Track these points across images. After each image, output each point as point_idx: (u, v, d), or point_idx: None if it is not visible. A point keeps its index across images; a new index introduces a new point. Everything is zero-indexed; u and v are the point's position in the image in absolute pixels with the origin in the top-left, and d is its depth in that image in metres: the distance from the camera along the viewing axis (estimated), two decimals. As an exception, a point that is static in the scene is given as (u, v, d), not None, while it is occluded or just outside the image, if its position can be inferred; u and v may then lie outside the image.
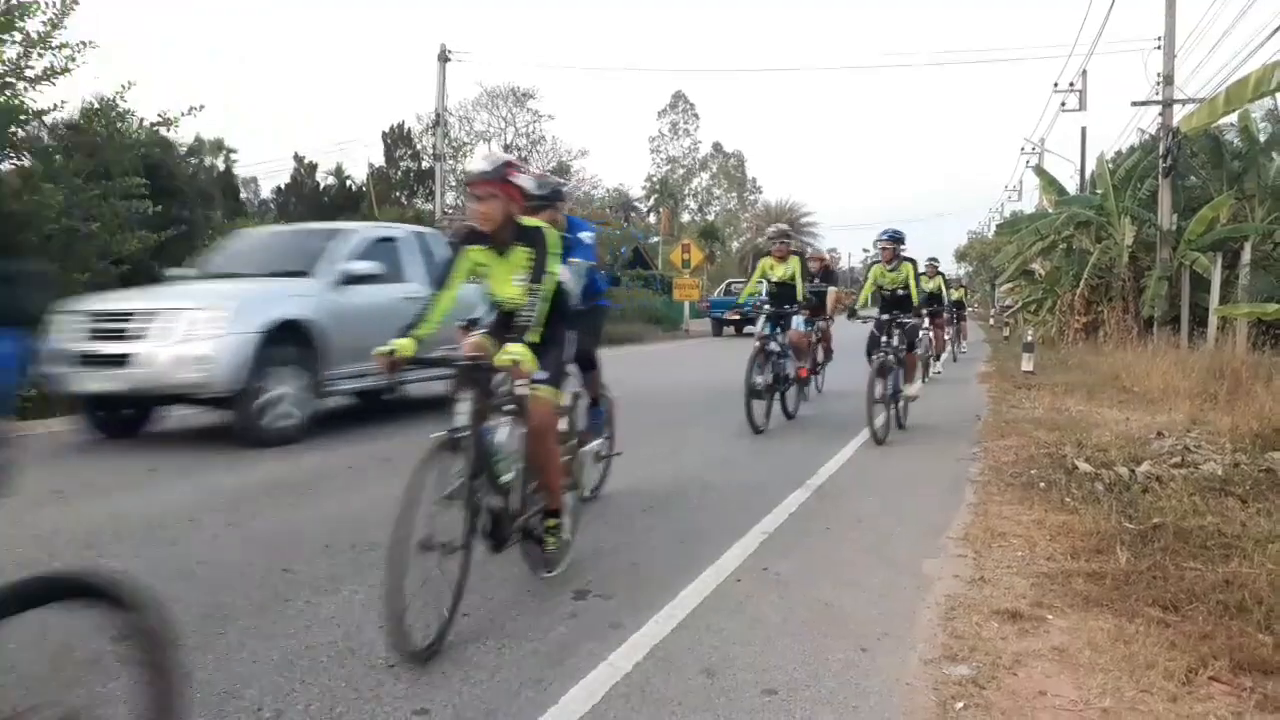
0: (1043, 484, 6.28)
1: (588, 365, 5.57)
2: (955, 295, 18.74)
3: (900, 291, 9.34)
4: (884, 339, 8.64)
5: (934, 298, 15.54)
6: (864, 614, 3.85)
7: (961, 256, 60.52)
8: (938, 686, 3.12)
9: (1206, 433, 8.05)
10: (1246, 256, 17.63)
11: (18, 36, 10.46)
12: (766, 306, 9.29)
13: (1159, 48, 18.97)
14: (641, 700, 2.99)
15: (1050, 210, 25.66)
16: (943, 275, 17.11)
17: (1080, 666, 3.27)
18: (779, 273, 9.74)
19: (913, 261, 9.51)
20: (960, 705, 2.97)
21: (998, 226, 34.84)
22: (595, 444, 5.50)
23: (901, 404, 9.12)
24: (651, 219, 58.15)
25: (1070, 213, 22.48)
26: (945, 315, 16.68)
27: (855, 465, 7.38)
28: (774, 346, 9.03)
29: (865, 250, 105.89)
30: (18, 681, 2.76)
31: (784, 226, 10.27)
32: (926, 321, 15.25)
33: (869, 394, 8.21)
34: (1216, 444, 7.43)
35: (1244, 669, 3.16)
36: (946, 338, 17.18)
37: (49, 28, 10.56)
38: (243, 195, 38.63)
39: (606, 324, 6.74)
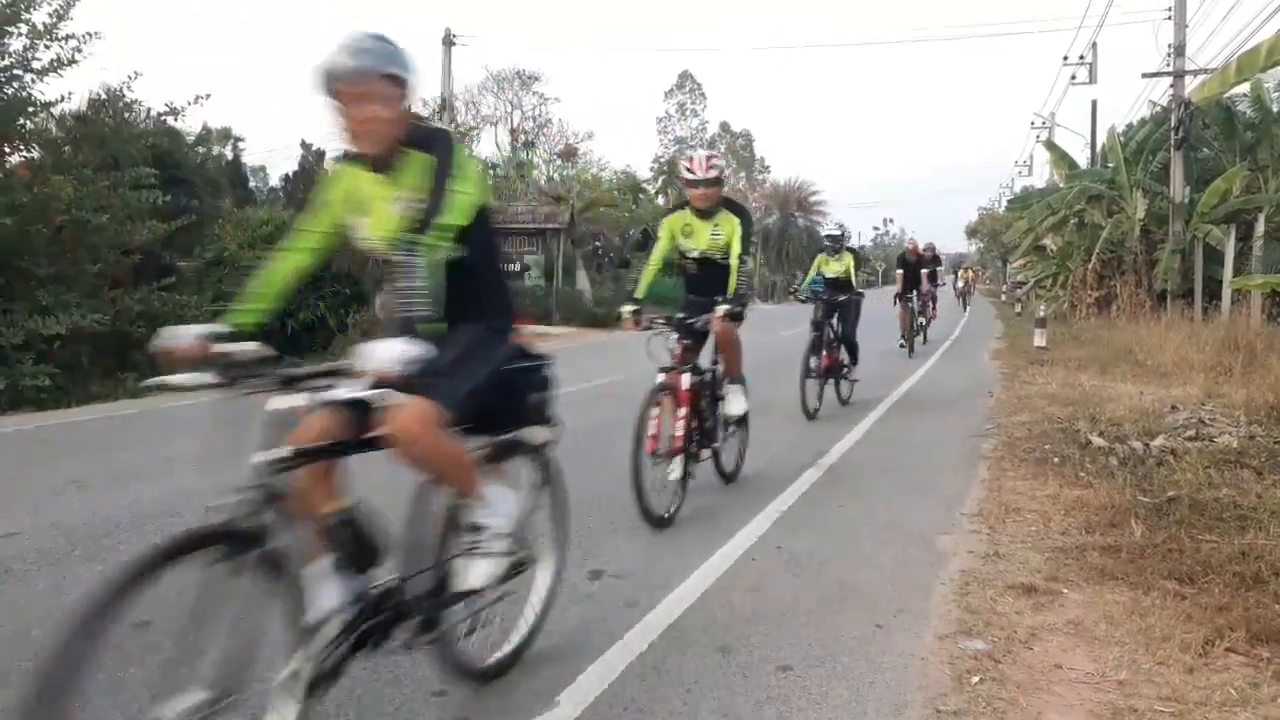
0: (1056, 459, 6.27)
1: None
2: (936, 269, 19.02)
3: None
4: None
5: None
6: (878, 590, 3.86)
7: (972, 233, 60.21)
8: (953, 661, 3.13)
9: (1221, 405, 8.01)
10: (1260, 228, 17.40)
11: (24, 28, 10.48)
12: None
13: (1169, 18, 18.75)
14: (658, 678, 3.01)
15: (1061, 185, 25.48)
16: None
17: (1096, 640, 3.28)
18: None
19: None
20: (976, 679, 2.98)
21: (1008, 202, 34.59)
22: None
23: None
24: (660, 200, 57.92)
25: (1081, 187, 22.30)
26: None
27: (867, 443, 7.38)
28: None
29: (875, 229, 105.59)
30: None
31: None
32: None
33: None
34: (1231, 416, 7.40)
35: (1261, 640, 3.16)
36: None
37: (55, 19, 10.58)
38: (251, 184, 38.70)
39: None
